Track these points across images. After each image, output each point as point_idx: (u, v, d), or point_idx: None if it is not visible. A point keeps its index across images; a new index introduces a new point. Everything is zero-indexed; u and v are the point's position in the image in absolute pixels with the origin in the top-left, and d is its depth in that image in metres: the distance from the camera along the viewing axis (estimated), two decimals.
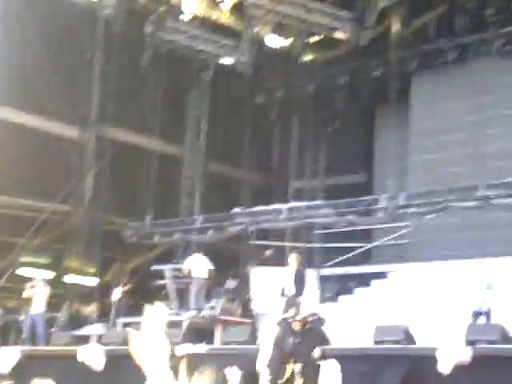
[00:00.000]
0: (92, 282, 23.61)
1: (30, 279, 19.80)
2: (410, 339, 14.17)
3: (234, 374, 6.99)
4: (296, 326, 14.09)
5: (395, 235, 20.85)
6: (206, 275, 19.03)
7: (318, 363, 13.61)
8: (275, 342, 13.88)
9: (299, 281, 15.86)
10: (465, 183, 17.82)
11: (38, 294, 18.94)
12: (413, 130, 21.60)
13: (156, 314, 2.41)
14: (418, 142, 21.38)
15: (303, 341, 13.97)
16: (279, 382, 13.63)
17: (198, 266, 19.25)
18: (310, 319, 14.34)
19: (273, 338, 13.90)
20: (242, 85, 25.10)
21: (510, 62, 20.40)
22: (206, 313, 18.75)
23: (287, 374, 13.72)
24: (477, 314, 14.53)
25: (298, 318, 14.31)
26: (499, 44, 20.85)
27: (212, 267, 19.33)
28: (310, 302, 16.76)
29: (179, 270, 19.81)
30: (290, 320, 14.22)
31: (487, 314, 14.48)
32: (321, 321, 14.44)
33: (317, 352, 13.70)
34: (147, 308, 2.48)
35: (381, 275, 19.55)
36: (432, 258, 18.58)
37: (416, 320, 15.03)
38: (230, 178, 27.02)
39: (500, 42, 20.86)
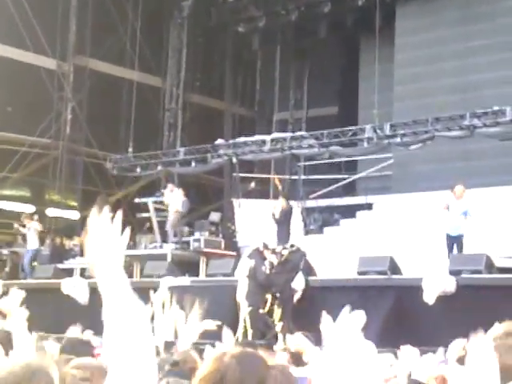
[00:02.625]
0: (74, 215, 23.46)
1: (10, 212, 19.67)
2: (395, 269, 14.16)
3: (211, 325, 6.88)
4: (273, 258, 14.12)
5: (380, 166, 20.72)
6: (180, 208, 18.89)
7: (294, 293, 13.69)
8: (249, 273, 13.91)
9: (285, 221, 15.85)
10: (451, 113, 17.62)
11: (29, 230, 18.90)
12: (397, 60, 21.30)
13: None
14: (403, 72, 21.10)
15: (280, 271, 14.02)
16: (261, 311, 13.69)
17: (173, 199, 19.11)
18: (288, 251, 14.35)
19: (247, 270, 13.92)
20: (222, 13, 24.61)
21: None
22: (188, 245, 18.71)
23: (268, 304, 13.78)
24: (450, 240, 14.52)
25: (277, 250, 14.31)
26: None
27: (184, 199, 19.16)
28: (295, 234, 16.71)
29: (162, 202, 19.67)
30: (262, 250, 14.23)
31: (460, 240, 14.44)
32: (300, 252, 14.43)
33: (295, 283, 13.76)
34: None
35: (366, 206, 19.48)
36: (417, 188, 18.48)
37: (401, 251, 15.00)
38: (213, 110, 26.70)
39: None
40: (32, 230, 18.87)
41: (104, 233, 2.25)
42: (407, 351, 6.16)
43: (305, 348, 6.68)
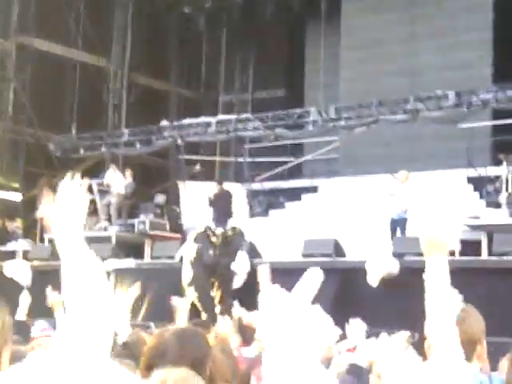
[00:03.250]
0: (16, 197, 23.10)
1: None
2: (339, 252, 14.28)
3: (179, 303, 6.87)
4: (215, 239, 14.14)
5: (326, 149, 20.81)
6: (122, 190, 18.81)
7: (234, 275, 13.74)
8: (196, 257, 13.89)
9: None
10: (396, 96, 17.77)
11: None
12: (343, 43, 21.37)
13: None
14: (348, 55, 21.18)
15: (222, 253, 14.06)
16: (212, 294, 13.67)
17: (116, 181, 18.99)
18: (230, 233, 14.39)
19: (192, 254, 13.89)
20: None
21: None
22: (133, 228, 18.59)
23: (215, 287, 13.79)
24: (394, 223, 14.71)
25: (218, 231, 14.34)
26: None
27: (130, 181, 19.12)
28: (239, 217, 16.76)
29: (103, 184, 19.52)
30: (208, 233, 14.23)
31: (403, 223, 14.63)
32: (241, 234, 14.49)
33: (234, 265, 13.81)
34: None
35: (312, 189, 19.56)
36: (362, 172, 18.63)
37: (346, 233, 15.12)
38: (158, 91, 26.47)
39: None
40: None
41: (66, 195, 2.24)
42: (355, 325, 6.22)
43: (255, 324, 6.66)
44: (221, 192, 16.54)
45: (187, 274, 13.75)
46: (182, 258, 14.28)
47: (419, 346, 3.60)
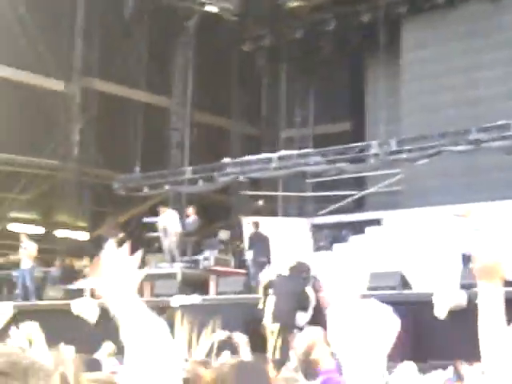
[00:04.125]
0: (83, 235, 23.50)
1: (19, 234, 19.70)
2: (405, 285, 14.17)
3: (240, 338, 6.89)
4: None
5: (388, 182, 20.73)
6: (178, 229, 19.10)
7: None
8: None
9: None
10: (457, 127, 17.67)
11: (25, 250, 18.87)
12: (404, 76, 21.34)
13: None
14: (409, 88, 21.13)
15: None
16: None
17: (171, 220, 19.28)
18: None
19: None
20: (228, 33, 24.73)
21: (500, 3, 20.12)
22: (197, 264, 18.76)
23: None
24: (465, 257, 14.61)
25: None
26: None
27: (194, 218, 19.44)
28: (303, 252, 16.76)
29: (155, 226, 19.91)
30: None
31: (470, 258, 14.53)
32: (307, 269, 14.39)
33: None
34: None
35: (375, 222, 19.47)
36: (425, 203, 18.49)
37: (411, 266, 15.00)
38: (219, 129, 26.77)
39: None
40: (28, 249, 18.82)
41: (116, 258, 2.22)
42: (406, 367, 6.17)
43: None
44: (256, 233, 17.21)
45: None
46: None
47: None
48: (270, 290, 13.82)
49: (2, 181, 22.09)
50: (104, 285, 2.19)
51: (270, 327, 13.41)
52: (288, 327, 13.08)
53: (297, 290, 13.38)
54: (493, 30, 19.83)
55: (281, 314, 13.25)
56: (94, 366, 4.85)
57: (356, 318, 2.47)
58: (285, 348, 12.57)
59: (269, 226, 19.00)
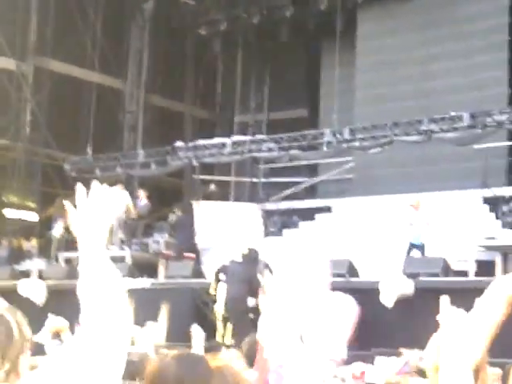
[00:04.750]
0: (32, 216, 23.23)
1: None
2: (353, 272, 14.28)
3: (196, 331, 6.90)
4: None
5: (340, 170, 20.82)
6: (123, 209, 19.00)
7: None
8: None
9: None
10: (410, 118, 17.80)
11: None
12: (359, 65, 21.42)
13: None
14: (364, 77, 21.20)
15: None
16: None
17: (119, 201, 19.10)
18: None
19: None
20: (184, 16, 24.57)
21: None
22: (147, 247, 18.68)
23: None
24: (411, 247, 14.82)
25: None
26: None
27: (146, 202, 19.34)
28: (254, 236, 16.79)
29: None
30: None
31: (422, 248, 14.74)
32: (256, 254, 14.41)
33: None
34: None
35: (325, 210, 19.56)
36: (376, 192, 18.62)
37: (359, 254, 15.11)
38: (173, 112, 26.63)
39: None
40: None
41: (91, 202, 2.24)
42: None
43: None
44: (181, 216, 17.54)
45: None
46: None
47: None
48: (222, 276, 13.80)
49: None
50: (78, 226, 2.21)
51: (222, 313, 13.43)
52: (240, 313, 13.09)
53: (250, 276, 13.35)
54: (449, 21, 19.97)
55: (233, 300, 13.24)
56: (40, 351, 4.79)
57: (316, 306, 2.46)
58: (236, 334, 12.63)
59: (220, 210, 19.01)
